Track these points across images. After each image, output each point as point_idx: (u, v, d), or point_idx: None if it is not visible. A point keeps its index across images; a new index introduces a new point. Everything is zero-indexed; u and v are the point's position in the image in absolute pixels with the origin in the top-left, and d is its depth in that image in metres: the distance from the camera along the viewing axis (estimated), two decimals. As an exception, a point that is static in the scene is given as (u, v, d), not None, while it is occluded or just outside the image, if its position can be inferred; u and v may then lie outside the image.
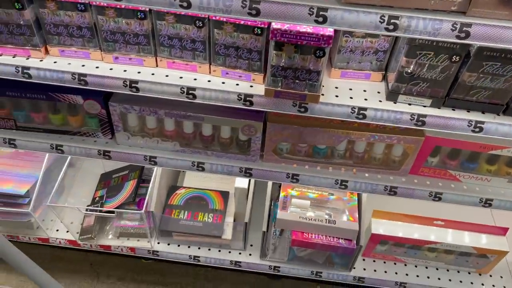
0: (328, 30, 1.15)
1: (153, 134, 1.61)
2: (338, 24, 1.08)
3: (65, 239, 1.93)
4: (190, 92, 1.35)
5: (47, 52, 1.40)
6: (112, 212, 1.80)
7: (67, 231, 1.95)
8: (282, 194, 1.74)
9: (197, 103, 1.47)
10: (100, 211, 1.88)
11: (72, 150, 1.65)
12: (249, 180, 1.84)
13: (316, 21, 1.07)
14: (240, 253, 1.94)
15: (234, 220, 1.91)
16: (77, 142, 1.65)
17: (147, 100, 1.52)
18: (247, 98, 1.35)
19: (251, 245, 1.97)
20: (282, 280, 2.24)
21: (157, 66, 1.40)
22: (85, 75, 1.36)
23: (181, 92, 1.36)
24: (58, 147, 1.65)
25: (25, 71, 1.37)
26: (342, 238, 1.75)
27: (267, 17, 1.08)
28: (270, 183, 1.83)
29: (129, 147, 1.65)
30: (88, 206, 1.94)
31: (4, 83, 1.52)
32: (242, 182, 1.82)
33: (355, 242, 1.75)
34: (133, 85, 1.36)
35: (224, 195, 1.96)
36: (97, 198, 1.98)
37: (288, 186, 1.79)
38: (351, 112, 1.31)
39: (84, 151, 1.65)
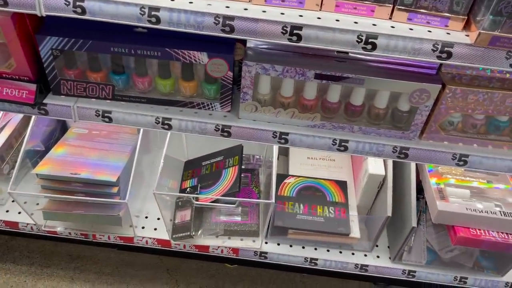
0: None
1: (288, 105, 1.30)
2: None
3: (153, 238, 1.60)
4: (370, 41, 1.04)
5: (179, -11, 1.10)
6: (233, 203, 1.47)
7: (155, 229, 1.62)
8: (434, 181, 1.43)
9: (350, 62, 1.20)
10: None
11: (183, 125, 1.33)
12: (386, 165, 1.53)
13: None
14: (365, 255, 1.61)
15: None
16: (188, 115, 1.32)
17: (287, 59, 1.23)
18: (445, 49, 1.04)
19: (377, 246, 1.65)
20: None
21: (320, 9, 1.10)
22: (232, 18, 1.04)
23: (357, 41, 1.05)
24: (165, 122, 1.32)
25: (153, 13, 1.05)
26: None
27: None
28: (413, 169, 1.52)
29: (254, 122, 1.33)
30: (179, 199, 1.61)
31: (109, 35, 1.21)
32: (376, 168, 1.51)
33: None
34: (295, 31, 1.04)
35: (342, 185, 1.64)
36: (188, 189, 1.65)
37: (436, 173, 1.48)
38: None
39: (198, 127, 1.33)
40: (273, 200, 1.39)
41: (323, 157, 1.76)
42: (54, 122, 1.68)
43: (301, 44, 1.06)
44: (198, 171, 1.74)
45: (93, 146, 1.58)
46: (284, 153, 1.90)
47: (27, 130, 1.52)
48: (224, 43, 1.22)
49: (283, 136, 1.32)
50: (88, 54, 1.25)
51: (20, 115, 1.68)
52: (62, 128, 1.73)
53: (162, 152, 1.61)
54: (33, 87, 1.27)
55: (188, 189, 1.65)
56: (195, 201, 1.54)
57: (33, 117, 1.57)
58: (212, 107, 1.34)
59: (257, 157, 1.83)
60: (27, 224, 1.62)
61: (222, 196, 1.56)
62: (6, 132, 1.60)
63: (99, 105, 1.33)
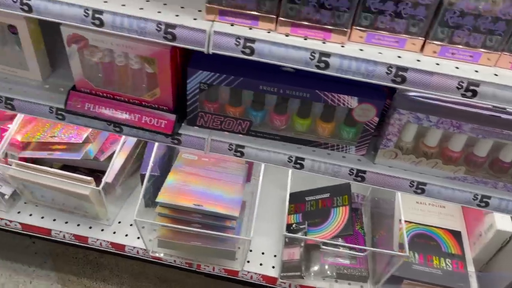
0: None
1: (432, 155, 1.25)
2: None
3: (259, 274, 1.56)
4: (555, 102, 0.99)
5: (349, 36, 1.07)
6: (357, 249, 1.42)
7: (261, 264, 1.59)
8: None
9: (506, 116, 1.14)
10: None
11: (316, 166, 1.30)
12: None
13: None
14: (480, 314, 1.54)
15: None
16: (321, 156, 1.29)
17: (441, 109, 1.18)
18: None
19: (492, 304, 1.57)
20: None
21: (495, 65, 1.04)
22: (405, 69, 1.01)
23: (541, 102, 1.00)
24: (298, 161, 1.29)
25: (323, 59, 1.02)
26: None
27: None
28: (546, 228, 1.44)
29: (390, 168, 1.28)
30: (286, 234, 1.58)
31: (258, 73, 1.20)
32: (505, 223, 1.43)
33: None
34: (471, 87, 1.00)
35: (456, 235, 1.57)
36: (294, 225, 1.61)
37: None
38: None
39: (331, 169, 1.29)
40: (407, 253, 1.33)
41: (432, 203, 1.69)
42: (167, 147, 1.68)
43: (474, 100, 1.02)
44: (302, 207, 1.70)
45: (205, 175, 1.56)
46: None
47: (151, 155, 1.53)
48: (373, 88, 1.19)
49: (420, 186, 1.27)
50: (231, 89, 1.24)
51: (134, 139, 1.69)
52: (170, 152, 1.73)
53: (259, 181, 1.58)
54: (172, 117, 1.27)
55: (293, 225, 1.62)
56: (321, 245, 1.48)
57: (156, 143, 1.58)
58: (346, 149, 1.30)
59: (361, 195, 1.79)
60: (134, 247, 1.62)
61: (334, 237, 1.52)
62: (123, 156, 1.60)
63: (233, 139, 1.31)
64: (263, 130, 1.31)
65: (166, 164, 1.67)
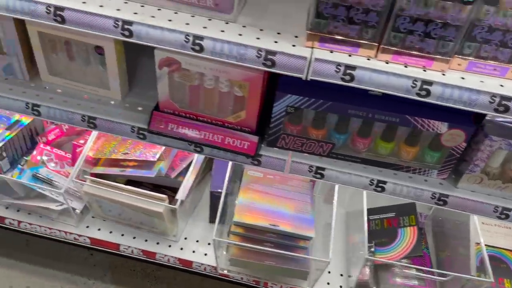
0: None
1: (518, 180, 1.25)
2: None
3: (328, 294, 1.58)
4: None
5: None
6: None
7: (328, 283, 1.59)
8: None
9: None
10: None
11: (397, 190, 1.29)
12: None
13: None
14: None
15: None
16: (402, 180, 1.29)
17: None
18: None
19: None
20: None
21: None
22: (509, 98, 1.01)
23: None
24: (380, 184, 1.29)
25: (424, 86, 1.03)
26: None
27: None
28: None
29: (472, 193, 1.28)
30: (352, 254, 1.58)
31: (346, 97, 1.20)
32: None
33: None
34: None
35: (526, 258, 1.57)
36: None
37: None
38: None
39: (413, 193, 1.29)
40: (491, 278, 1.32)
41: (498, 224, 1.68)
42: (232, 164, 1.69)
43: None
44: (367, 225, 1.69)
45: (273, 193, 1.57)
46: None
47: (220, 172, 1.55)
48: (462, 114, 1.18)
49: (505, 212, 1.26)
50: (316, 112, 1.25)
51: (202, 157, 1.70)
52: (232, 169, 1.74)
53: (334, 202, 1.58)
54: (255, 139, 1.28)
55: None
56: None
57: (231, 162, 1.58)
58: (428, 173, 1.30)
59: (424, 214, 1.78)
60: (201, 264, 1.63)
61: (403, 258, 1.51)
62: (194, 173, 1.62)
63: (313, 161, 1.31)
64: (344, 153, 1.31)
65: (230, 180, 1.68)
